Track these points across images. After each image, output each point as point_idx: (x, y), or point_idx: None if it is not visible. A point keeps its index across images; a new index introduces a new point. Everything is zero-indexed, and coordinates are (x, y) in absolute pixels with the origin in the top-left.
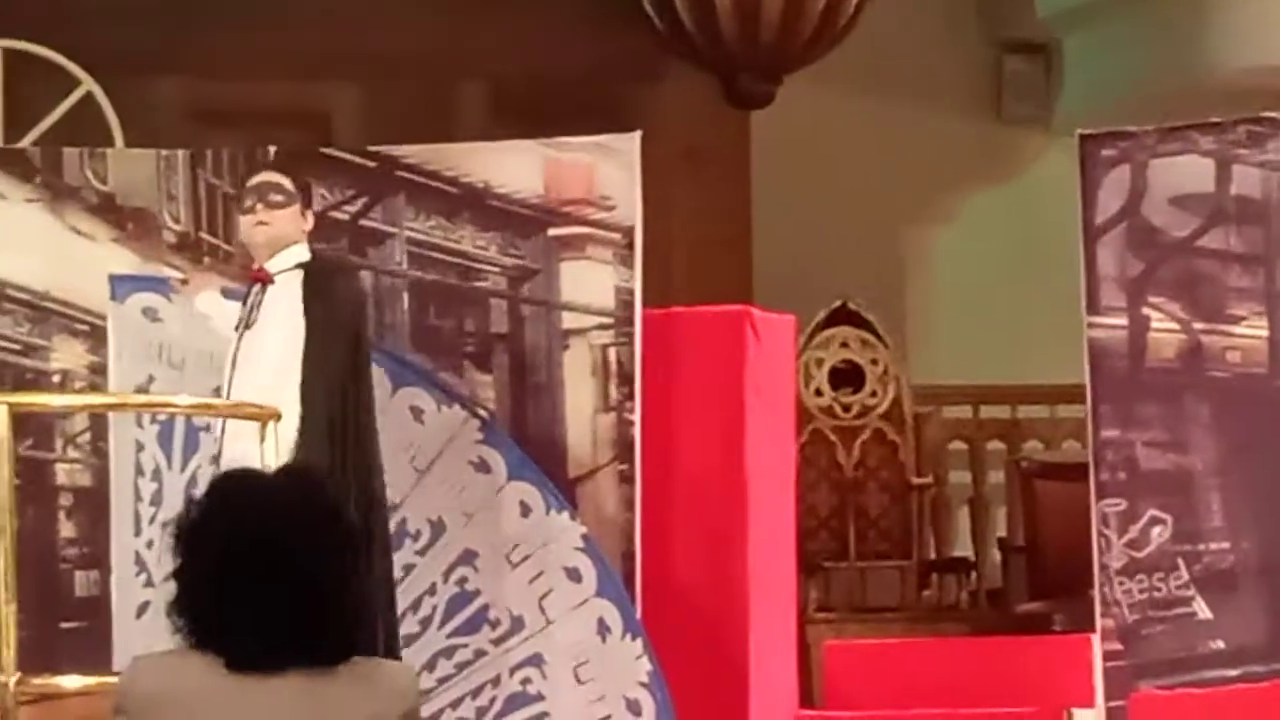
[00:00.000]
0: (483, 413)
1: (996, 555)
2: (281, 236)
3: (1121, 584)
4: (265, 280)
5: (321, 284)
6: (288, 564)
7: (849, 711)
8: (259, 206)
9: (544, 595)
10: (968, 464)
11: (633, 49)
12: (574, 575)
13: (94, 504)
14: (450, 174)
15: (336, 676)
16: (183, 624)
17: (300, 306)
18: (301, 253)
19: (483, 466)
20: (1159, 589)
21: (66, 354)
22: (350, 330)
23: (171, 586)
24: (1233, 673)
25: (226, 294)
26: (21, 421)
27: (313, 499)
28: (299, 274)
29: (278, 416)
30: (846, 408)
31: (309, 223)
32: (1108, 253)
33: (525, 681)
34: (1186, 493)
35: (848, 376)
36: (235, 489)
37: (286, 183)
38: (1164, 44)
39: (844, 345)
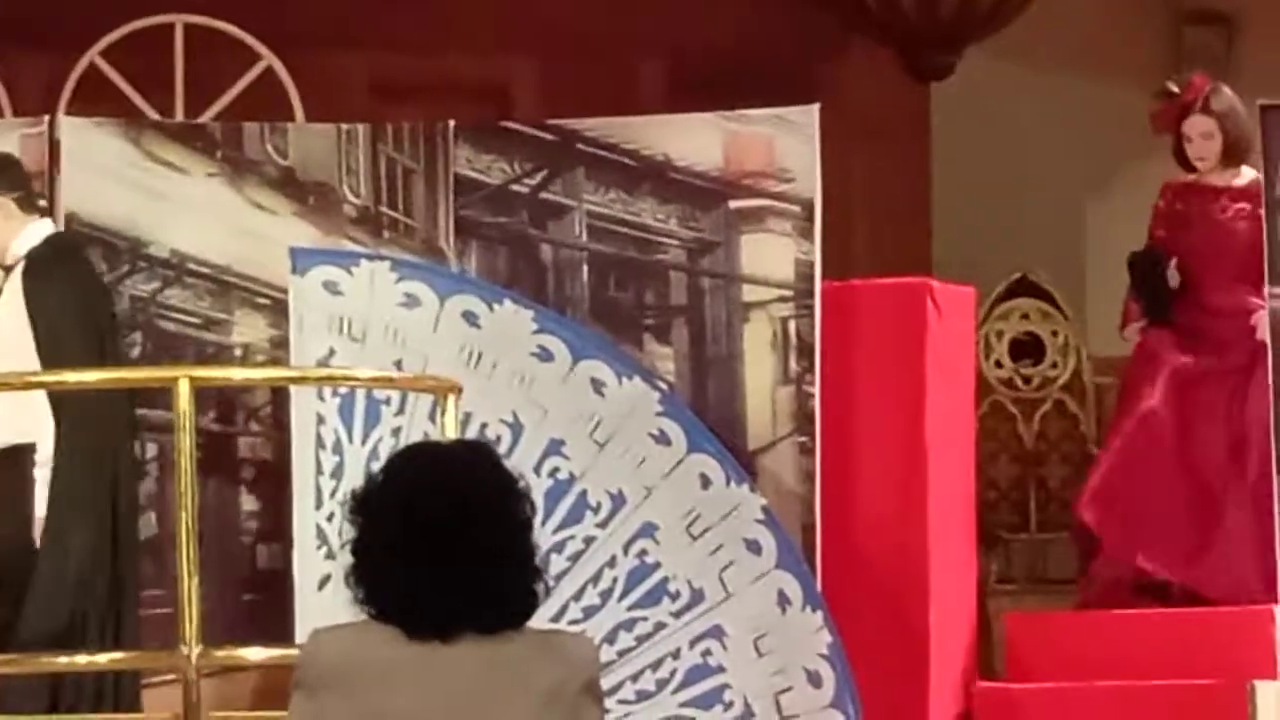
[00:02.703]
0: (663, 385)
1: None
2: None
3: None
4: (7, 270)
5: (44, 269)
6: (467, 534)
7: (1030, 683)
8: None
9: (724, 567)
10: None
11: (811, 21)
12: (754, 547)
13: (275, 477)
14: (630, 147)
15: (516, 644)
16: (363, 595)
17: (21, 294)
18: (34, 235)
19: (663, 439)
20: None
21: (248, 328)
22: (84, 305)
23: (352, 558)
24: None
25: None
26: (204, 395)
27: (489, 468)
28: (24, 262)
29: (458, 390)
30: (1027, 380)
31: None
32: None
33: (705, 653)
34: None
35: (1028, 348)
36: (413, 460)
37: None
38: None
39: (1024, 317)
